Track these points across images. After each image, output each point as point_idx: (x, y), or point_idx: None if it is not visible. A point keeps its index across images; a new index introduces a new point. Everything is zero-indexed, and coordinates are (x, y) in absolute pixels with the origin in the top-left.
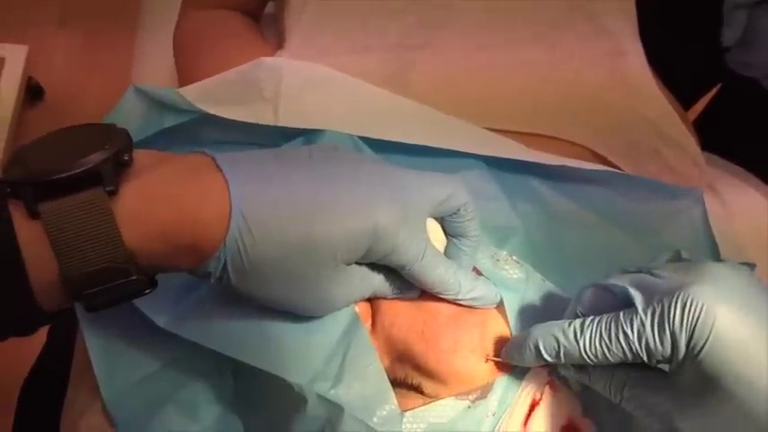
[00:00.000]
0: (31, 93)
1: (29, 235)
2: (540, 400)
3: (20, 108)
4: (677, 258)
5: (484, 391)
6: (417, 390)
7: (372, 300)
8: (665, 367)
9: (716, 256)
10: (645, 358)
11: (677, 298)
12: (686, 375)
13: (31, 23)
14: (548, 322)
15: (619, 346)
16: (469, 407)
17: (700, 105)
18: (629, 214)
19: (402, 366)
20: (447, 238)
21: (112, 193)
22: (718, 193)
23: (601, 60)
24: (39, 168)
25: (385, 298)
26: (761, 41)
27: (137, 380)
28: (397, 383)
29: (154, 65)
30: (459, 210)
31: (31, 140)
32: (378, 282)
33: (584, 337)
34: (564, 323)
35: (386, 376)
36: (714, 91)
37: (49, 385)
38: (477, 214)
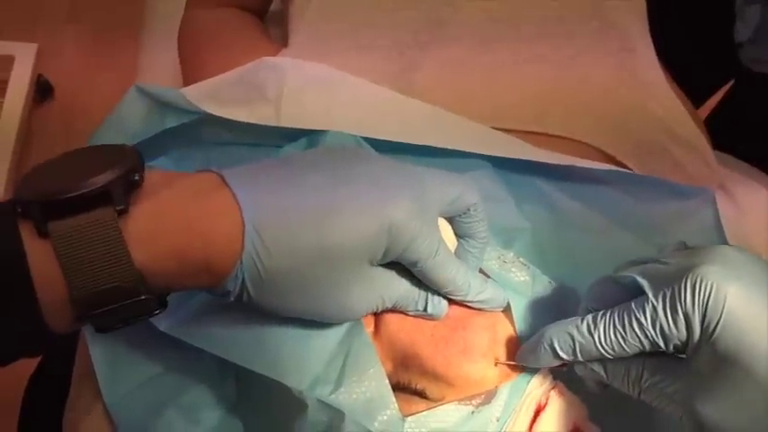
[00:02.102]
0: (41, 90)
1: (38, 254)
2: (545, 404)
3: (30, 106)
4: (683, 248)
5: (488, 396)
6: (421, 395)
7: None
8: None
9: None
10: (661, 344)
11: (686, 280)
12: (703, 357)
13: (40, 21)
14: (560, 321)
15: (634, 334)
16: (473, 412)
17: (711, 103)
18: (639, 215)
19: (406, 371)
20: (456, 238)
21: (122, 213)
22: (730, 192)
23: (609, 57)
24: (49, 188)
25: (406, 313)
26: None
27: (138, 383)
28: (399, 388)
29: (159, 63)
30: (468, 209)
31: (40, 140)
32: (401, 289)
33: (598, 331)
34: (576, 320)
35: (387, 380)
36: (726, 89)
37: (52, 388)
38: (486, 215)
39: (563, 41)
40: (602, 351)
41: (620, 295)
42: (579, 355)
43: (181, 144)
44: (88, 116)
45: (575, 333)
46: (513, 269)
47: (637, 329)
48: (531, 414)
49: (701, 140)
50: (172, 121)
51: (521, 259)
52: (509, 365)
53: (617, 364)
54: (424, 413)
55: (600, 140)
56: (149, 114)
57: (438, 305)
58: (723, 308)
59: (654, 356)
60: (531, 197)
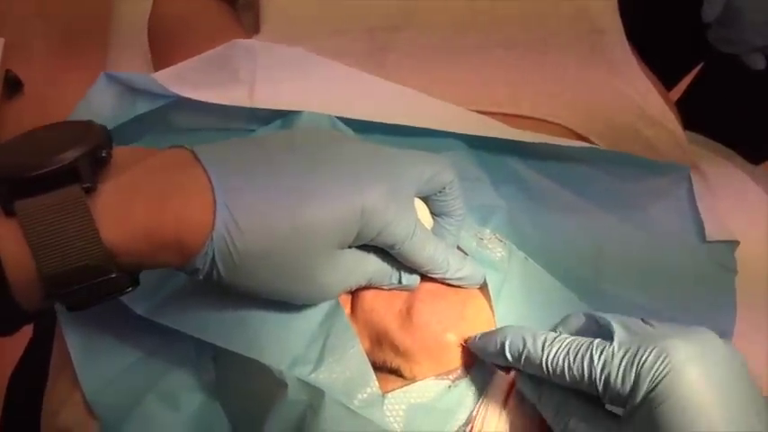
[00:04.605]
0: (10, 85)
1: (5, 233)
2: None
3: None
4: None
5: (465, 371)
6: (397, 373)
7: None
8: (617, 410)
9: (701, 234)
10: (600, 389)
11: (656, 346)
12: (637, 423)
13: (7, 15)
14: (523, 326)
15: (580, 368)
16: (450, 386)
17: (682, 85)
18: (613, 193)
19: (381, 349)
20: (432, 217)
21: (90, 190)
22: (701, 171)
23: (580, 39)
24: (14, 165)
25: (382, 288)
26: (741, 17)
27: (117, 370)
28: (377, 367)
29: (129, 54)
30: (444, 188)
31: (10, 135)
32: (373, 268)
33: (550, 348)
34: (537, 330)
35: (366, 359)
36: (696, 70)
37: (35, 382)
38: (461, 193)
39: (534, 24)
40: (545, 369)
41: (592, 333)
42: (523, 362)
43: (153, 131)
44: (59, 110)
45: (528, 341)
46: (489, 246)
47: (585, 364)
48: (507, 387)
49: (672, 121)
50: (143, 107)
51: (497, 235)
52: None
53: (553, 394)
54: (403, 389)
55: (572, 121)
56: (120, 101)
57: (411, 276)
58: (677, 388)
59: (590, 404)
60: (505, 177)
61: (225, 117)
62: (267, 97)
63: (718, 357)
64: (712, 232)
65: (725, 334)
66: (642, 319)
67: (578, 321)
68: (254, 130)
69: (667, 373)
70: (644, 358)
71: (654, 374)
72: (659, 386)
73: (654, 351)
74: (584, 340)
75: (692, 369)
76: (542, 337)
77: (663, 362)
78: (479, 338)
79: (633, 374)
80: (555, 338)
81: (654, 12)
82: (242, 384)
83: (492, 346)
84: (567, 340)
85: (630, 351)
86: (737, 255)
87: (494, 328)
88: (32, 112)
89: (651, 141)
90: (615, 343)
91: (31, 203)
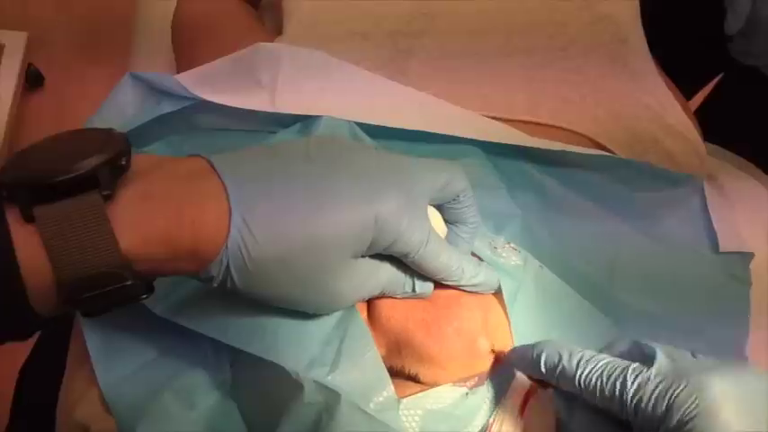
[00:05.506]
0: (31, 79)
1: (24, 239)
2: (536, 386)
3: (20, 95)
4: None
5: (482, 378)
6: (414, 379)
7: None
8: None
9: (715, 245)
10: (630, 415)
11: (693, 380)
12: None
13: (30, 10)
14: (562, 340)
15: (612, 390)
16: (467, 393)
17: (701, 95)
18: (629, 202)
19: (399, 356)
20: (446, 225)
21: (109, 198)
22: (719, 183)
23: (601, 47)
24: (34, 171)
25: (394, 297)
26: (763, 30)
27: (134, 368)
28: (393, 373)
29: (152, 51)
30: (458, 196)
31: (29, 129)
32: (387, 276)
33: (585, 366)
34: (576, 347)
35: (382, 363)
36: (716, 81)
37: (47, 372)
38: (475, 201)
39: (555, 32)
40: (577, 384)
41: (632, 359)
42: (557, 376)
43: (175, 131)
44: (79, 105)
45: (564, 356)
46: (503, 254)
47: (618, 385)
48: (523, 395)
49: (691, 131)
50: (166, 108)
51: (511, 244)
52: (500, 353)
53: (584, 416)
54: (419, 395)
55: (591, 130)
56: (144, 101)
57: (424, 284)
58: (710, 427)
59: (618, 430)
60: (523, 184)
61: (247, 119)
62: (289, 102)
63: (756, 397)
64: (726, 243)
65: (738, 346)
66: (692, 353)
67: (623, 347)
68: (275, 132)
69: (700, 412)
70: (679, 391)
71: (686, 409)
72: (691, 422)
73: (689, 387)
74: (622, 362)
75: (728, 411)
76: (579, 355)
77: (698, 400)
78: (515, 350)
79: (665, 403)
80: (592, 357)
81: (676, 22)
82: (258, 386)
83: (528, 358)
84: (604, 360)
85: (665, 383)
86: (753, 267)
87: (529, 344)
88: (52, 107)
89: (670, 151)
90: (654, 369)
91: (49, 210)
